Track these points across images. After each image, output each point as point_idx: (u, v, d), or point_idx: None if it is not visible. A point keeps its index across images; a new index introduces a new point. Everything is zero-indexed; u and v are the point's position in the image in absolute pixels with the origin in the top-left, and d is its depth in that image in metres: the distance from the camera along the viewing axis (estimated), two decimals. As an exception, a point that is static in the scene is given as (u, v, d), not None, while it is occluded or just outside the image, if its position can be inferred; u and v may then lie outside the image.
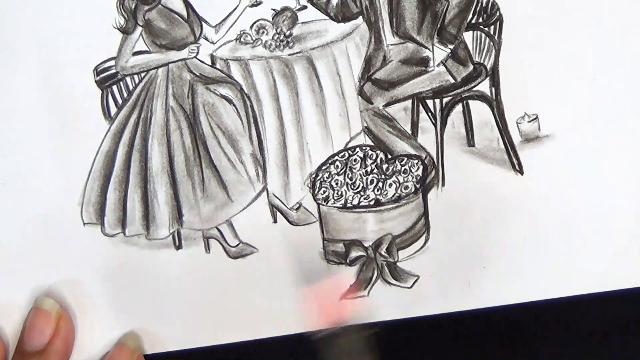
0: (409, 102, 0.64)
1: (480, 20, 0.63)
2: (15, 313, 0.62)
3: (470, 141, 0.63)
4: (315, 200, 0.64)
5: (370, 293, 0.64)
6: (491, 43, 0.63)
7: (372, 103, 0.63)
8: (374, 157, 0.64)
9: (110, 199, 0.63)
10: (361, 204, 0.64)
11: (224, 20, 0.63)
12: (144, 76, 0.63)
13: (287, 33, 0.63)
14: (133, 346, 0.62)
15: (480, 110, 0.63)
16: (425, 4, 0.62)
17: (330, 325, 0.63)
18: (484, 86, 0.63)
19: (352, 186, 0.64)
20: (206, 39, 0.63)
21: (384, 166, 0.64)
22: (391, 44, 0.64)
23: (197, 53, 0.63)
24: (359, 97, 0.63)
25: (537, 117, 0.63)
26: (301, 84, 0.63)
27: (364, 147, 0.64)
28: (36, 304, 0.61)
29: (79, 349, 0.63)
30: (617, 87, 0.62)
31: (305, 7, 0.63)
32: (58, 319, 0.61)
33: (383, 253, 0.63)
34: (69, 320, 0.62)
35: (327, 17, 0.63)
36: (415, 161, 0.63)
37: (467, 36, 0.63)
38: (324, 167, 0.64)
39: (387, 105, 0.63)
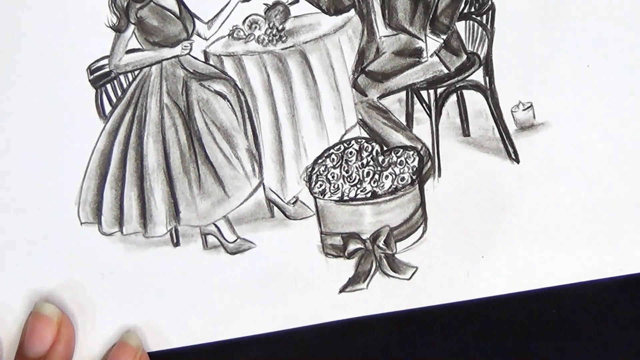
0: (403, 94, 0.64)
1: (473, 9, 0.63)
2: (12, 315, 0.62)
3: (465, 131, 0.64)
4: (311, 194, 0.64)
5: (369, 285, 0.64)
6: (484, 32, 0.63)
7: (366, 95, 0.63)
8: (369, 150, 0.64)
9: (107, 197, 0.63)
10: (358, 196, 0.64)
11: (216, 16, 0.63)
12: (138, 74, 0.63)
13: (280, 27, 0.64)
14: (135, 344, 0.62)
15: (474, 100, 0.63)
16: (417, -5, 0.63)
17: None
18: (478, 76, 0.63)
19: (349, 179, 0.64)
20: (199, 35, 0.63)
21: (380, 158, 0.64)
22: (384, 36, 0.64)
23: (190, 50, 0.63)
24: (353, 89, 0.63)
25: (531, 105, 0.63)
26: (295, 78, 0.63)
27: (359, 140, 0.64)
28: (36, 309, 0.61)
29: (80, 350, 0.63)
30: (610, 73, 0.62)
31: (297, 1, 0.63)
32: (59, 324, 0.61)
33: (381, 245, 0.63)
34: (70, 325, 0.62)
35: (319, 11, 0.63)
36: (411, 152, 0.63)
37: (460, 26, 0.63)
38: (319, 161, 0.64)
39: (381, 97, 0.64)
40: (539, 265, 0.63)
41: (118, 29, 0.62)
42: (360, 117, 0.64)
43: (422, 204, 0.63)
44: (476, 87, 0.63)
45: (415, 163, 0.63)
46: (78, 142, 0.62)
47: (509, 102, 0.63)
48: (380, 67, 0.63)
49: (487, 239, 0.63)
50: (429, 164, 0.63)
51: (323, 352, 0.64)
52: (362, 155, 0.64)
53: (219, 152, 0.63)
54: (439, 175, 0.63)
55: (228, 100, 0.63)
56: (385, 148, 0.64)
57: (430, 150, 0.63)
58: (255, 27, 0.63)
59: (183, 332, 0.63)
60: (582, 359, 0.65)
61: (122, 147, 0.63)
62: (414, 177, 0.63)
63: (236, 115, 0.63)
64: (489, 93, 0.63)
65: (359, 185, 0.64)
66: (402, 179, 0.63)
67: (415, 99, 0.64)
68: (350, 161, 0.64)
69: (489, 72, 0.63)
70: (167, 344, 0.63)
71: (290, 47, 0.64)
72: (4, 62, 0.61)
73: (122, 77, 0.63)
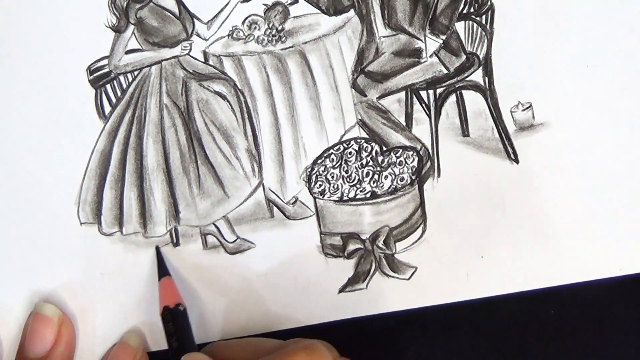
0: (402, 94, 0.64)
1: (472, 10, 0.63)
2: (12, 315, 0.62)
3: (464, 131, 0.64)
4: (311, 194, 0.64)
5: (369, 285, 0.64)
6: (483, 33, 0.63)
7: (365, 95, 0.63)
8: (369, 150, 0.64)
9: (107, 197, 0.63)
10: (357, 196, 0.64)
11: (216, 16, 0.63)
12: (137, 74, 0.63)
13: (279, 28, 0.64)
14: (135, 344, 0.62)
15: (474, 100, 0.63)
16: (417, -5, 0.63)
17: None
18: (477, 76, 0.63)
19: (348, 179, 0.64)
20: (198, 35, 0.63)
21: (379, 158, 0.64)
22: (383, 36, 0.64)
23: (190, 50, 0.63)
24: (353, 90, 0.63)
25: (530, 106, 0.63)
26: (294, 79, 0.63)
27: (358, 140, 0.64)
28: (36, 310, 0.61)
29: (80, 350, 0.63)
30: (609, 73, 0.62)
31: (296, 1, 0.63)
32: (60, 324, 0.61)
33: (380, 245, 0.63)
34: (70, 325, 0.62)
35: (319, 11, 0.63)
36: (411, 152, 0.63)
37: (459, 26, 0.63)
38: (319, 161, 0.64)
39: (380, 97, 0.64)
40: (538, 266, 0.63)
41: (118, 29, 0.62)
42: (359, 118, 0.64)
43: (422, 204, 0.63)
44: (475, 87, 0.63)
45: (415, 163, 0.63)
46: (78, 143, 0.62)
47: (508, 103, 0.63)
48: (380, 67, 0.63)
49: (486, 239, 0.63)
50: (429, 164, 0.63)
51: (322, 352, 0.64)
52: (362, 155, 0.64)
53: (219, 152, 0.63)
54: (439, 175, 0.63)
55: (228, 101, 0.63)
56: (384, 148, 0.64)
57: (430, 151, 0.63)
58: (255, 28, 0.63)
59: (183, 332, 0.63)
60: (581, 359, 0.65)
61: (122, 147, 0.63)
62: (414, 178, 0.63)
63: (236, 116, 0.63)
64: (489, 93, 0.63)
65: (358, 186, 0.64)
66: (402, 179, 0.63)
67: (415, 99, 0.64)
68: (350, 161, 0.64)
69: (488, 73, 0.63)
70: (167, 344, 0.63)
71: (289, 47, 0.64)
72: (3, 62, 0.61)
73: (121, 78, 0.63)
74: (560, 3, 0.62)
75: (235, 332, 0.63)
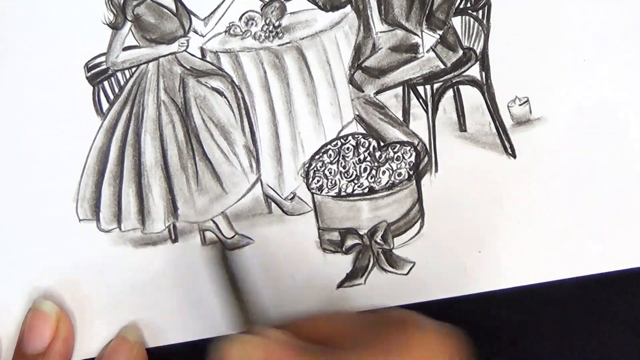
0: (399, 89, 0.64)
1: (468, 5, 0.63)
2: (11, 312, 0.62)
3: (462, 126, 0.64)
4: (309, 189, 0.64)
5: (367, 281, 0.64)
6: (480, 27, 0.63)
7: (363, 91, 0.63)
8: (366, 145, 0.64)
9: (105, 194, 0.63)
10: (355, 192, 0.64)
11: (213, 12, 0.63)
12: (135, 71, 0.63)
13: (276, 24, 0.64)
14: (133, 339, 0.62)
15: (471, 95, 0.63)
16: (413, -10, 0.63)
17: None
18: (474, 71, 0.63)
19: (346, 175, 0.64)
20: (195, 32, 0.63)
21: (377, 154, 0.64)
22: (380, 32, 0.64)
23: (187, 46, 0.63)
24: (350, 85, 0.64)
25: (527, 100, 0.63)
26: (292, 74, 0.63)
27: (356, 136, 0.64)
28: (35, 306, 0.61)
29: (78, 347, 0.63)
30: (606, 68, 0.62)
31: (293, -3, 0.63)
32: (58, 320, 0.61)
33: (378, 240, 0.63)
34: (68, 322, 0.62)
35: (316, 7, 0.63)
36: (408, 148, 0.63)
37: (456, 21, 0.63)
38: (317, 157, 0.64)
39: (378, 92, 0.64)
40: (536, 260, 0.63)
41: (115, 26, 0.62)
42: (357, 113, 0.64)
43: (419, 199, 0.63)
44: (472, 82, 0.63)
45: (412, 158, 0.63)
46: (76, 140, 0.62)
47: (505, 97, 0.63)
48: (377, 62, 0.63)
49: (484, 234, 0.63)
50: (426, 159, 0.63)
51: (321, 348, 0.64)
52: (359, 151, 0.64)
53: (217, 148, 0.63)
54: (436, 170, 0.63)
55: (225, 97, 0.63)
56: (382, 144, 0.64)
57: (427, 146, 0.63)
58: (252, 24, 0.64)
59: (181, 328, 0.63)
60: (579, 354, 0.65)
61: (120, 144, 0.63)
62: (411, 173, 0.63)
63: (233, 112, 0.63)
64: (485, 88, 0.63)
65: (356, 181, 0.64)
66: (399, 174, 0.64)
67: (412, 94, 0.64)
68: (348, 157, 0.64)
69: (485, 68, 0.63)
70: (165, 340, 0.63)
71: (286, 43, 0.64)
72: (0, 60, 0.61)
73: (119, 74, 0.63)
74: (556, -3, 0.62)
75: (234, 327, 0.63)
